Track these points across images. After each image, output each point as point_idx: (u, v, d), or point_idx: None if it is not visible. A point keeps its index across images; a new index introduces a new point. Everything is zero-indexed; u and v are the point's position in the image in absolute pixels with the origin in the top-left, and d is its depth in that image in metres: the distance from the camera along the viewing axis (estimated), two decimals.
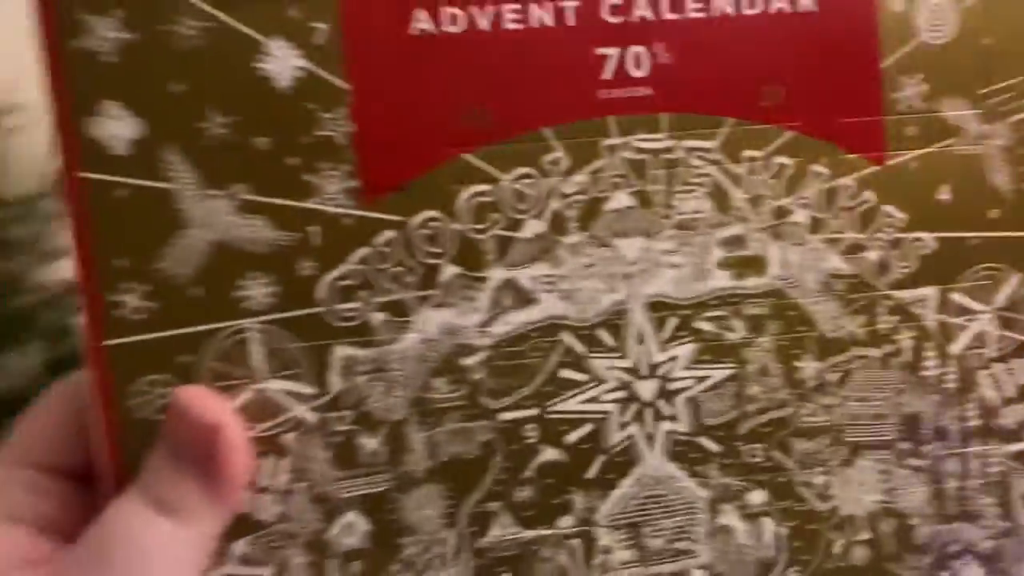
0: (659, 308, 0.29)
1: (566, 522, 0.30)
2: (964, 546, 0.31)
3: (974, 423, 0.31)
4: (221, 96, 0.27)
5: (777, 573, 0.30)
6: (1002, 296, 0.31)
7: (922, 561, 0.31)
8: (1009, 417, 0.31)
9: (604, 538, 0.30)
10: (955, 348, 0.31)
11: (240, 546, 0.28)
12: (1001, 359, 0.31)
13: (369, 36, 0.28)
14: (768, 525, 0.30)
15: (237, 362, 0.28)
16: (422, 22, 0.28)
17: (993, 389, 0.31)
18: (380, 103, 0.28)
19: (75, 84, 0.27)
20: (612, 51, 0.29)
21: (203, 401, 0.27)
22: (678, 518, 0.30)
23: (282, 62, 0.28)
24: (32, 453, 0.30)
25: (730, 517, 0.30)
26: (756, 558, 0.30)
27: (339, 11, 0.28)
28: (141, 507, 0.27)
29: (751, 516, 0.30)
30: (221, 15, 0.28)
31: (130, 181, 0.28)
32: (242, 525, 0.28)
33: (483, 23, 0.28)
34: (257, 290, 0.28)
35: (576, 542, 0.30)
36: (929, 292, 0.30)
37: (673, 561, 0.30)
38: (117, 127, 0.27)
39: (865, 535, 0.31)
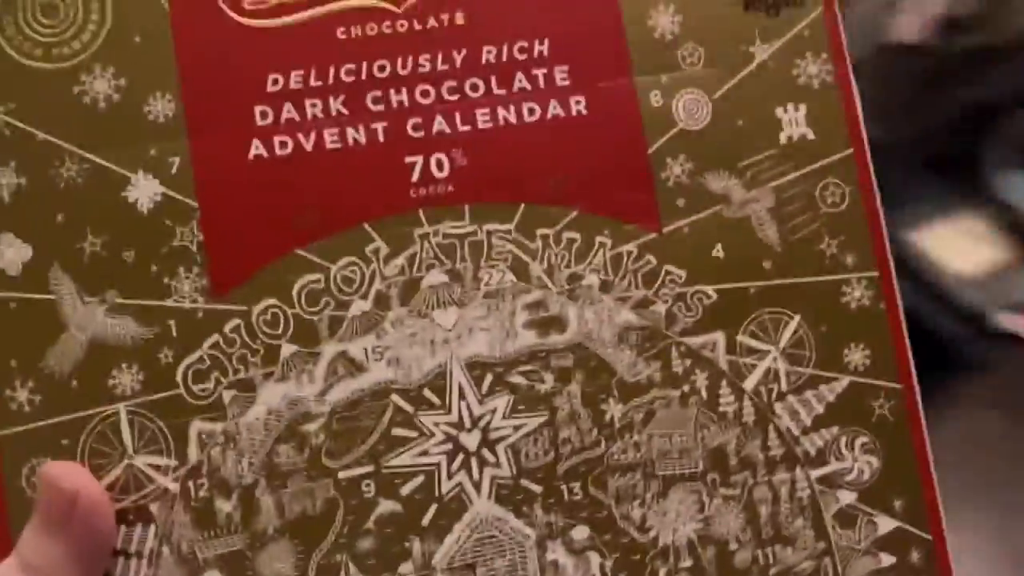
0: (476, 367, 0.28)
1: (406, 568, 0.28)
2: (784, 569, 0.28)
3: (777, 452, 0.28)
4: (95, 221, 0.28)
5: None
6: (786, 336, 0.29)
7: None
8: (810, 444, 0.29)
9: None
10: (748, 384, 0.29)
11: None
12: (794, 392, 0.29)
13: (213, 164, 0.29)
14: (594, 558, 0.28)
15: (109, 442, 0.27)
16: (258, 149, 0.29)
17: (791, 420, 0.29)
18: (223, 215, 0.29)
19: None
20: (417, 158, 0.29)
21: (64, 471, 0.27)
22: (510, 557, 0.27)
23: (144, 190, 0.28)
24: None
25: (558, 553, 0.28)
26: None
27: (189, 147, 0.29)
28: (16, 573, 0.25)
29: (577, 551, 0.28)
30: (95, 158, 0.28)
31: (20, 295, 0.28)
32: None
33: (308, 146, 0.29)
34: (125, 378, 0.27)
35: None
36: (717, 336, 0.29)
37: None
38: (11, 253, 0.28)
39: (687, 562, 0.28)
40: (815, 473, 0.32)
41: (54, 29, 0.32)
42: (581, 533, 0.31)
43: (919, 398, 0.32)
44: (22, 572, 0.28)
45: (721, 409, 0.32)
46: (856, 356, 0.33)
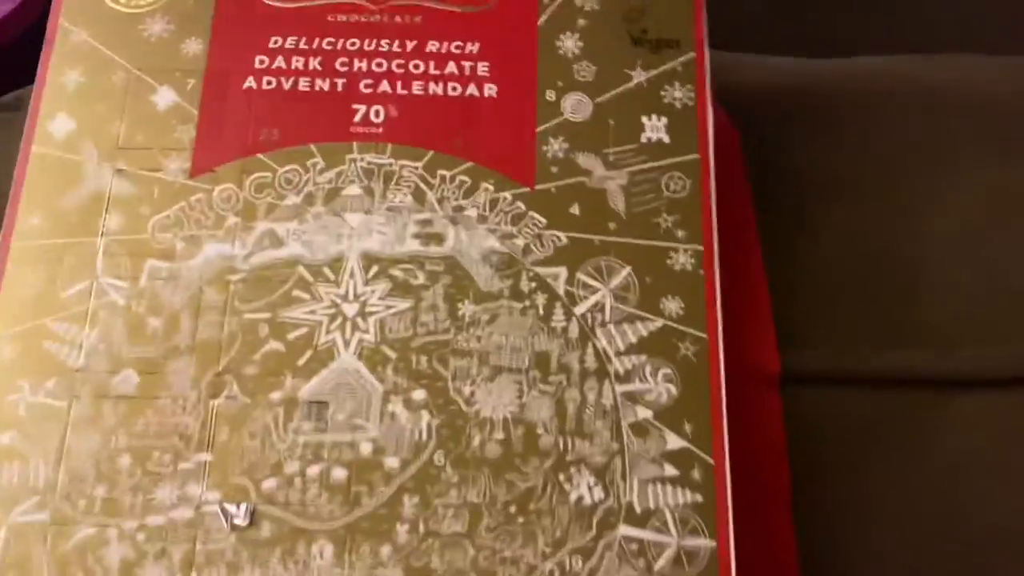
0: (367, 258, 0.37)
1: (276, 395, 0.36)
2: (579, 457, 0.35)
3: (591, 365, 0.36)
4: (125, 113, 0.39)
5: (427, 452, 0.35)
6: (616, 280, 0.38)
7: (544, 463, 0.35)
8: (620, 365, 0.36)
9: (302, 409, 0.37)
10: (578, 310, 0.37)
11: (50, 384, 0.36)
12: (615, 323, 0.37)
13: (216, 88, 0.40)
14: (425, 416, 0.36)
15: (87, 263, 0.37)
16: (250, 83, 0.40)
17: (607, 343, 0.37)
18: (213, 122, 0.40)
19: None
20: (361, 107, 0.40)
21: None
22: (358, 401, 0.36)
23: (164, 97, 0.40)
24: None
25: (397, 406, 0.36)
26: (413, 440, 0.35)
27: (203, 74, 0.40)
28: None
29: (413, 408, 0.36)
30: (138, 72, 0.40)
31: (60, 154, 0.39)
32: (55, 368, 0.39)
33: (286, 86, 0.40)
34: (111, 221, 0.38)
35: (280, 409, 0.35)
36: (561, 270, 0.38)
37: (350, 432, 0.35)
38: (60, 124, 0.39)
39: (500, 435, 0.35)
40: (620, 388, 0.39)
41: None
42: (419, 395, 0.39)
43: (721, 348, 0.39)
44: None
45: (552, 324, 0.40)
46: (672, 305, 0.40)
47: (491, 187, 0.41)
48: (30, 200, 0.41)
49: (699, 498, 0.37)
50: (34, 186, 0.41)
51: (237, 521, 0.36)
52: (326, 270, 0.40)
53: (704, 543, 0.36)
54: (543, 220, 0.41)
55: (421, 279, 0.40)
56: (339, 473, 0.37)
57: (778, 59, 0.52)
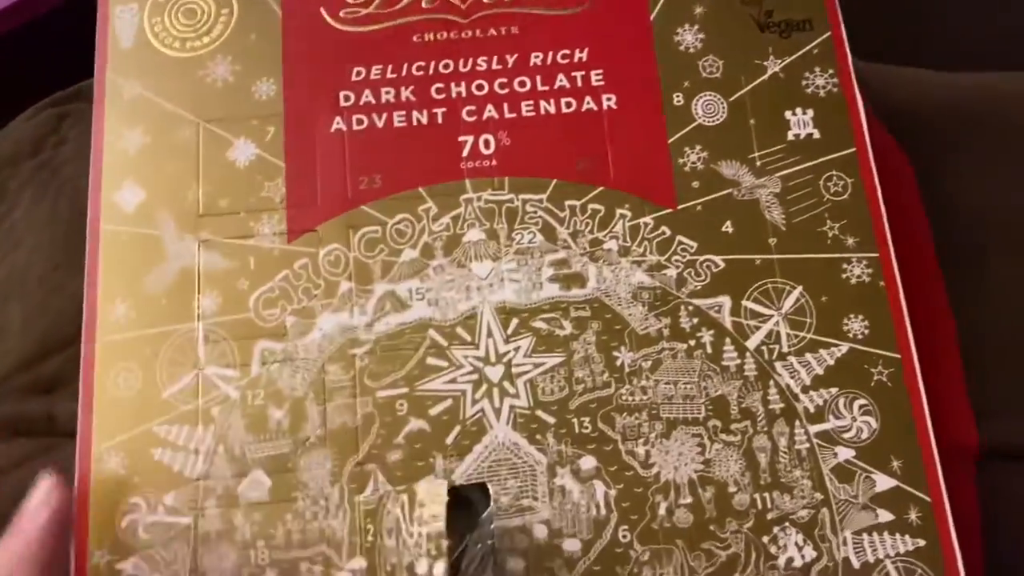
0: (504, 312, 0.32)
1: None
2: (782, 514, 0.30)
3: (776, 406, 0.31)
4: (200, 174, 0.34)
5: (610, 529, 0.30)
6: (788, 303, 0.33)
7: (743, 526, 0.30)
8: (809, 402, 0.32)
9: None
10: (751, 343, 0.32)
11: (169, 498, 0.31)
12: (795, 353, 0.32)
13: (300, 134, 0.35)
14: (599, 487, 0.31)
15: (186, 353, 0.32)
16: (339, 124, 0.35)
17: (791, 378, 0.32)
18: (303, 174, 0.34)
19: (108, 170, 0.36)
20: (468, 138, 0.35)
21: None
22: (522, 479, 0.31)
23: (243, 151, 0.35)
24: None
25: (566, 479, 0.31)
26: (590, 516, 0.30)
27: (283, 120, 0.35)
28: None
29: (583, 479, 0.31)
30: (208, 125, 0.35)
31: (131, 229, 0.34)
32: (173, 480, 0.30)
33: (379, 124, 0.35)
34: (206, 302, 0.33)
35: None
36: (723, 300, 0.32)
37: (519, 515, 0.30)
38: (129, 196, 0.34)
39: (687, 499, 0.30)
40: (814, 428, 0.34)
41: (190, 27, 0.39)
42: (588, 463, 0.34)
43: (918, 368, 0.34)
44: None
45: (724, 363, 0.35)
46: (855, 325, 0.35)
47: (628, 213, 0.36)
48: (108, 286, 0.36)
49: (921, 542, 0.32)
50: (110, 269, 0.36)
51: None
52: (460, 330, 0.35)
53: None
54: (693, 244, 0.36)
55: (568, 328, 0.35)
56: (516, 564, 0.32)
57: (920, 71, 0.45)
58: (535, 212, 0.36)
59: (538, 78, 0.38)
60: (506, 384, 0.34)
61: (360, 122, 0.38)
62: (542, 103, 0.38)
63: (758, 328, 0.35)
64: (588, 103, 0.38)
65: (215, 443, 0.34)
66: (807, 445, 0.33)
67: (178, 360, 0.35)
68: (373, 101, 0.38)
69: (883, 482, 0.33)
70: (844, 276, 0.35)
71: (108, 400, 0.34)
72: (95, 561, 0.32)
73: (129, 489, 0.33)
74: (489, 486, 0.32)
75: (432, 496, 0.30)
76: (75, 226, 0.39)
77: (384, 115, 0.38)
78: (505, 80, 0.38)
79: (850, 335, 0.34)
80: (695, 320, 0.35)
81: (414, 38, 0.39)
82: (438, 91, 0.38)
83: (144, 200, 0.37)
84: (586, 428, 0.34)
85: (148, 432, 0.34)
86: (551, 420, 0.34)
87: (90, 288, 0.36)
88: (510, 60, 0.38)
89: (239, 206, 0.37)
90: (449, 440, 0.33)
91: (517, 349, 0.35)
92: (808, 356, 0.34)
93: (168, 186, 0.37)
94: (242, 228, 0.36)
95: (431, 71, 0.38)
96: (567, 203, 0.36)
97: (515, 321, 0.35)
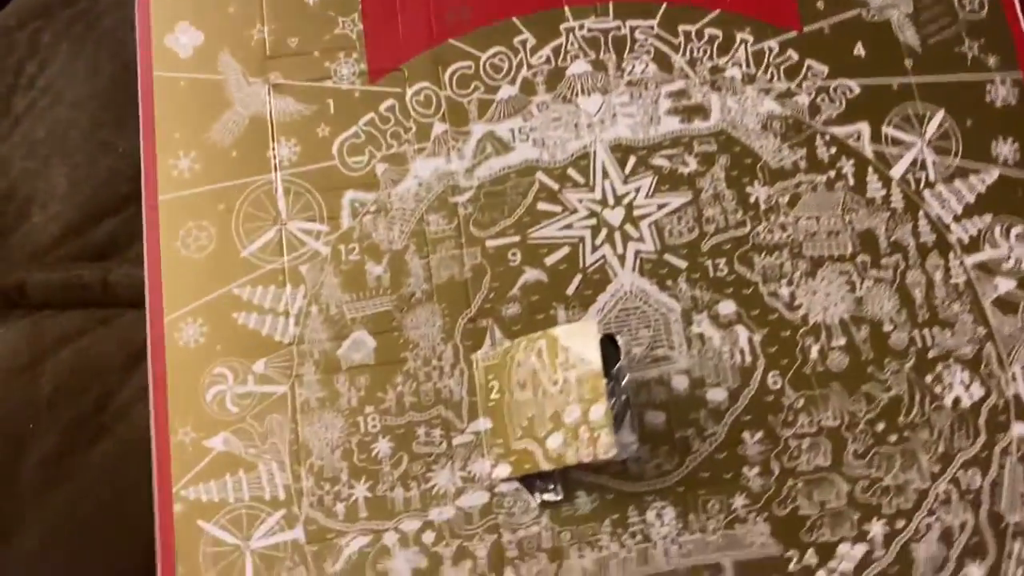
0: (619, 149, 0.28)
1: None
2: (944, 352, 0.27)
3: (929, 238, 0.28)
4: (265, 11, 0.29)
5: (758, 376, 0.27)
6: (931, 128, 0.29)
7: (904, 366, 0.27)
8: (962, 232, 0.28)
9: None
10: (896, 172, 0.28)
11: (260, 366, 0.27)
12: (944, 181, 0.28)
13: None
14: (742, 332, 0.27)
15: (264, 207, 0.28)
16: None
17: (941, 208, 0.28)
18: (382, 8, 0.30)
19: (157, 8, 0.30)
20: None
21: None
22: (654, 328, 0.27)
23: None
24: None
25: (703, 326, 0.27)
26: (735, 363, 0.27)
27: None
28: None
29: (724, 325, 0.27)
30: None
31: (189, 75, 0.29)
32: (261, 346, 0.26)
33: None
34: (283, 151, 0.28)
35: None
36: (862, 127, 0.29)
37: (655, 367, 0.27)
38: (184, 39, 0.29)
39: (840, 341, 0.27)
40: (970, 260, 0.31)
41: None
42: (727, 308, 0.30)
43: None
44: None
45: (869, 195, 0.31)
46: (1005, 149, 0.32)
47: (750, 37, 0.32)
48: (168, 139, 0.31)
49: None
50: (169, 121, 0.32)
51: (548, 497, 0.28)
52: (572, 172, 0.31)
53: None
54: (824, 68, 0.32)
55: (693, 165, 0.31)
56: (655, 418, 0.29)
57: None
58: (645, 40, 0.32)
59: None
60: (628, 228, 0.31)
61: None
62: None
63: (901, 156, 0.31)
64: None
65: (307, 303, 0.30)
66: (964, 278, 0.30)
67: (256, 215, 0.31)
68: None
69: None
70: (988, 99, 0.32)
71: (178, 263, 0.30)
72: (179, 439, 0.28)
73: (212, 358, 0.29)
74: (619, 337, 0.29)
75: (579, 338, 0.26)
76: (120, 80, 0.34)
77: None
78: None
79: (1000, 159, 0.31)
80: (833, 150, 0.31)
81: None
82: None
83: (202, 43, 0.32)
84: (722, 271, 0.30)
85: (228, 295, 0.30)
86: (682, 264, 0.30)
87: (147, 142, 0.32)
88: None
89: (311, 45, 0.32)
90: (570, 291, 0.30)
91: (637, 190, 0.31)
92: (958, 183, 0.31)
93: (229, 26, 0.32)
94: (317, 69, 0.32)
95: None
96: (681, 28, 0.32)
97: (632, 159, 0.31)
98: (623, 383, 0.28)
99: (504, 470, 0.27)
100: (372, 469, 0.28)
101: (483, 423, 0.29)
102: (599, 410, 0.25)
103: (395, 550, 0.28)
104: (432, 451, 0.29)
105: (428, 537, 0.28)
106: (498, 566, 0.28)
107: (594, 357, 0.26)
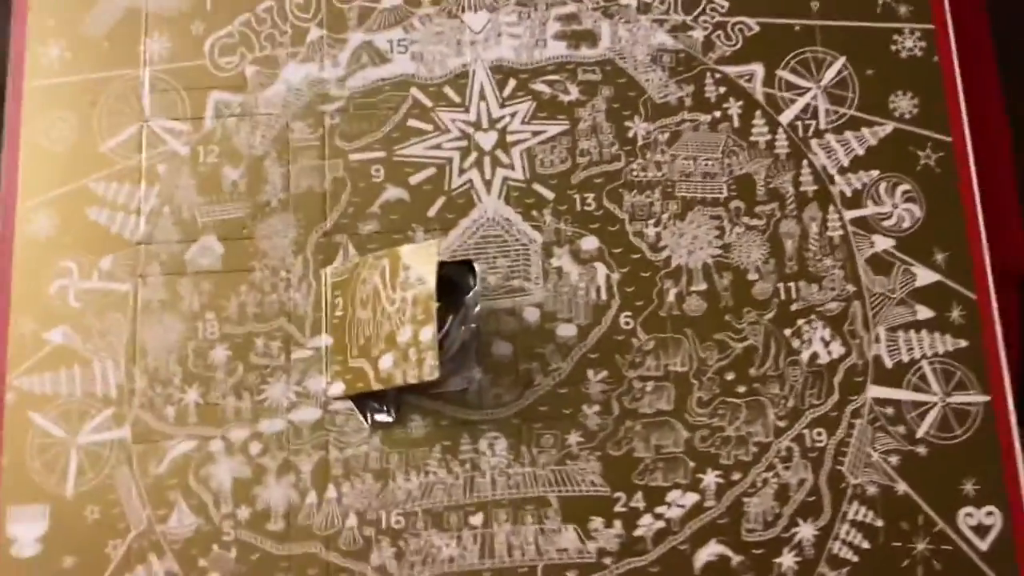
0: (500, 71, 0.27)
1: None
2: (808, 306, 0.26)
3: (810, 188, 0.26)
4: None
5: (611, 315, 0.25)
6: (828, 75, 0.27)
7: (764, 317, 0.25)
8: (846, 185, 0.27)
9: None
10: (785, 118, 0.27)
11: (107, 262, 0.26)
12: (833, 131, 0.27)
13: None
14: (601, 270, 0.26)
15: (129, 103, 0.27)
16: None
17: (827, 158, 0.27)
18: None
19: None
20: None
21: None
22: (513, 258, 0.26)
23: None
24: None
25: (563, 260, 0.26)
26: (590, 300, 0.26)
27: None
28: None
29: (584, 261, 0.26)
30: None
31: None
32: (110, 243, 0.25)
33: None
34: (155, 46, 0.27)
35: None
36: (756, 68, 0.27)
37: (508, 297, 0.26)
38: None
39: (701, 286, 0.26)
40: (850, 214, 0.29)
41: None
42: (590, 243, 0.29)
43: (971, 153, 0.30)
44: None
45: (753, 139, 0.30)
46: (903, 103, 0.30)
47: None
48: (40, 25, 0.30)
49: (962, 343, 0.28)
50: (42, 6, 0.30)
51: (380, 418, 0.28)
52: (448, 90, 0.30)
53: (975, 398, 0.28)
54: (724, 3, 0.30)
55: (574, 93, 0.30)
56: (502, 349, 0.28)
57: None
58: None
59: None
60: (499, 153, 0.29)
61: None
62: None
63: (793, 101, 0.30)
64: None
65: (160, 203, 0.29)
66: (841, 232, 0.29)
67: (120, 110, 0.30)
68: None
69: (924, 276, 0.29)
70: (894, 48, 0.30)
71: (37, 152, 0.29)
72: (19, 330, 0.28)
73: (60, 251, 0.29)
74: (476, 264, 0.28)
75: (420, 257, 0.25)
76: None
77: None
78: None
79: (896, 113, 0.30)
80: (722, 89, 0.30)
81: None
82: None
83: None
84: (589, 205, 0.29)
85: (83, 188, 0.29)
86: (550, 195, 0.29)
87: (18, 25, 0.30)
88: None
89: None
90: (431, 212, 0.29)
91: (514, 114, 0.30)
92: (848, 134, 0.30)
93: None
94: None
95: None
96: None
97: (513, 82, 0.30)
98: (474, 311, 0.27)
99: (338, 388, 0.27)
100: (206, 376, 0.28)
101: (325, 339, 0.28)
102: (428, 332, 0.25)
103: (220, 457, 0.27)
104: (269, 363, 0.28)
105: (255, 448, 0.27)
106: (321, 482, 0.27)
107: (430, 278, 0.25)
